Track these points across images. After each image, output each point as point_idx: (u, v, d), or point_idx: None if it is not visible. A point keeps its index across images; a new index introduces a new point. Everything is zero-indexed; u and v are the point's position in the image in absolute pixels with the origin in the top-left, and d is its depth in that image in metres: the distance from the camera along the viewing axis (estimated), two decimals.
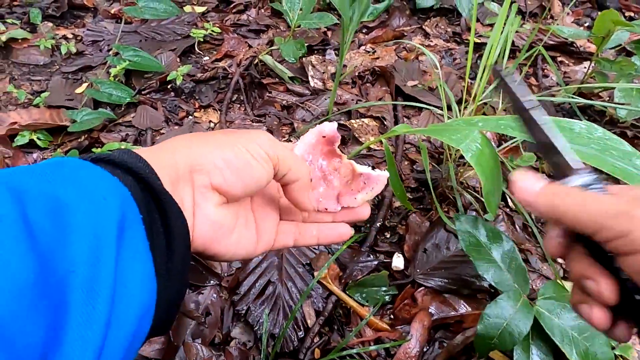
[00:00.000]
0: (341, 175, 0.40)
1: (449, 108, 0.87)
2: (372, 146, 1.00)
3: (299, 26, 1.13)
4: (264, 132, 0.35)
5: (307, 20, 1.08)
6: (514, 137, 0.97)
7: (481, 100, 0.77)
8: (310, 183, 0.38)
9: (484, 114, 0.96)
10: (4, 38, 1.23)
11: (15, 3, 1.37)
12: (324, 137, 0.40)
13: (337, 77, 0.77)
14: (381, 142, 1.02)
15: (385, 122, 1.04)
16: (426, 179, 0.91)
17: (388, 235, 0.83)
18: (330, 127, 0.40)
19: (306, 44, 1.15)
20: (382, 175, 0.40)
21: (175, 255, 0.29)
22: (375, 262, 0.77)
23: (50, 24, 1.31)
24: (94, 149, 0.92)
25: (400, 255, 0.78)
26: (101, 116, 1.00)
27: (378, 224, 0.82)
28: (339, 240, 0.40)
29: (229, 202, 0.34)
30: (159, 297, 0.27)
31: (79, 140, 0.98)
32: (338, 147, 0.41)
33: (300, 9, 1.11)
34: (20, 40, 1.25)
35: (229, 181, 0.32)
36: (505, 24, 0.74)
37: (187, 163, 0.32)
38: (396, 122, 1.05)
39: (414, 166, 0.96)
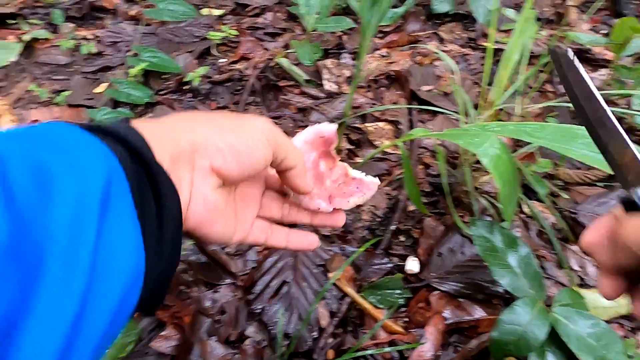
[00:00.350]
0: (334, 177, 0.41)
1: (466, 113, 0.87)
2: (386, 150, 1.00)
3: (314, 30, 1.14)
4: (264, 118, 0.36)
5: (324, 24, 1.09)
6: (530, 143, 0.97)
7: (498, 105, 0.77)
8: (306, 169, 0.39)
9: (499, 119, 0.96)
10: (27, 38, 1.26)
11: (38, 4, 1.40)
12: (321, 137, 0.40)
13: (355, 80, 0.78)
14: (396, 145, 1.03)
15: (400, 126, 1.04)
16: (440, 183, 0.91)
17: (402, 239, 0.84)
18: (329, 129, 0.40)
19: (322, 48, 1.16)
20: (373, 182, 0.41)
21: (166, 227, 0.29)
22: (390, 265, 0.78)
23: (72, 25, 1.34)
24: None
25: (415, 258, 0.78)
26: (120, 115, 1.02)
27: (392, 227, 0.83)
28: (306, 248, 0.42)
29: (225, 185, 0.35)
30: (148, 268, 0.27)
31: None
32: (334, 150, 0.41)
33: (317, 13, 1.12)
34: (42, 40, 1.28)
35: (229, 164, 0.33)
36: (520, 30, 0.74)
37: (190, 143, 0.32)
38: (411, 126, 1.05)
39: (428, 170, 0.96)
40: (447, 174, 0.93)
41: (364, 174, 0.41)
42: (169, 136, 0.32)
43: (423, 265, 0.78)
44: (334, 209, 0.40)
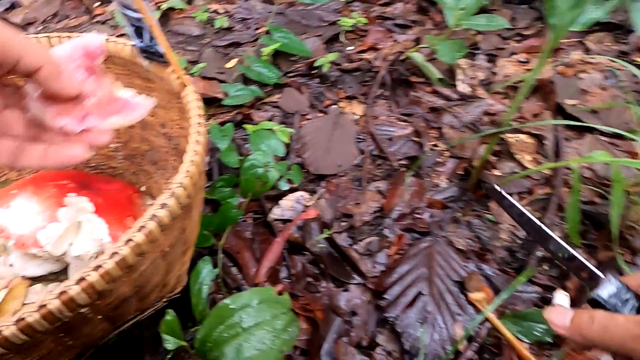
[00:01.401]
0: (97, 97, 0.35)
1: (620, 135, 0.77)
2: (526, 165, 0.92)
3: (458, 26, 1.06)
4: None
5: (470, 21, 1.01)
6: None
7: None
8: (60, 65, 0.32)
9: None
10: (164, 6, 1.30)
11: None
12: (85, 50, 0.35)
13: (526, 85, 0.70)
14: (538, 163, 0.94)
15: (544, 142, 0.95)
16: (591, 212, 0.82)
17: (547, 268, 0.76)
18: (95, 41, 0.35)
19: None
20: (142, 104, 0.35)
21: None
22: (534, 295, 0.71)
23: None
24: (245, 125, 0.94)
25: (565, 293, 0.70)
26: (252, 93, 1.02)
27: (538, 254, 0.75)
28: (69, 162, 0.34)
29: None
30: None
31: (231, 113, 1.01)
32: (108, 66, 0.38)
33: (462, 8, 1.05)
34: (177, 10, 1.32)
35: None
36: None
37: None
38: (556, 143, 0.95)
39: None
40: (599, 203, 0.84)
41: (133, 93, 0.36)
42: None
43: (574, 301, 0.70)
44: (85, 130, 0.34)
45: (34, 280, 0.66)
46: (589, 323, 0.30)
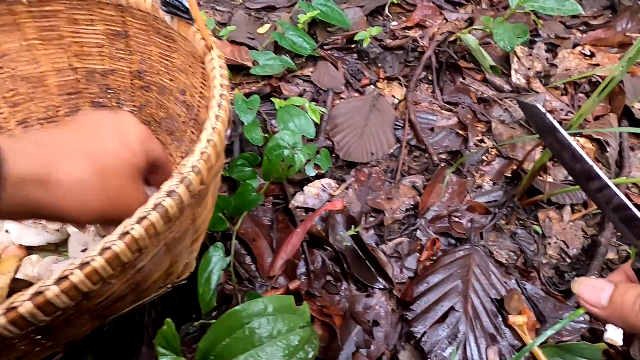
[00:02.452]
0: None
1: None
2: None
3: (521, 7, 0.94)
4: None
5: (539, 3, 0.89)
6: None
7: None
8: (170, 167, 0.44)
9: None
10: None
11: None
12: None
13: (609, 85, 0.60)
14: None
15: (607, 148, 0.84)
16: None
17: None
18: None
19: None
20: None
21: None
22: (583, 325, 0.62)
23: None
24: (272, 98, 0.85)
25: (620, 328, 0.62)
26: (283, 64, 0.93)
27: (591, 277, 0.66)
28: None
29: None
30: None
31: (259, 84, 0.92)
32: None
33: None
34: None
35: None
36: None
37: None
38: (620, 152, 0.84)
39: None
40: None
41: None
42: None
43: (629, 338, 0.61)
44: None
45: (31, 249, 0.60)
46: (635, 305, 0.23)
